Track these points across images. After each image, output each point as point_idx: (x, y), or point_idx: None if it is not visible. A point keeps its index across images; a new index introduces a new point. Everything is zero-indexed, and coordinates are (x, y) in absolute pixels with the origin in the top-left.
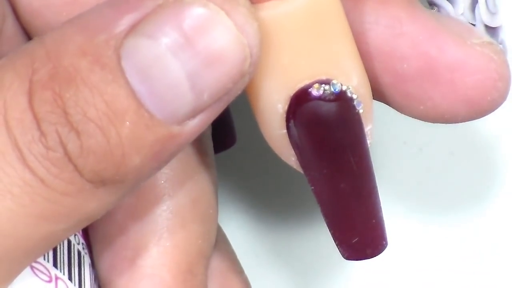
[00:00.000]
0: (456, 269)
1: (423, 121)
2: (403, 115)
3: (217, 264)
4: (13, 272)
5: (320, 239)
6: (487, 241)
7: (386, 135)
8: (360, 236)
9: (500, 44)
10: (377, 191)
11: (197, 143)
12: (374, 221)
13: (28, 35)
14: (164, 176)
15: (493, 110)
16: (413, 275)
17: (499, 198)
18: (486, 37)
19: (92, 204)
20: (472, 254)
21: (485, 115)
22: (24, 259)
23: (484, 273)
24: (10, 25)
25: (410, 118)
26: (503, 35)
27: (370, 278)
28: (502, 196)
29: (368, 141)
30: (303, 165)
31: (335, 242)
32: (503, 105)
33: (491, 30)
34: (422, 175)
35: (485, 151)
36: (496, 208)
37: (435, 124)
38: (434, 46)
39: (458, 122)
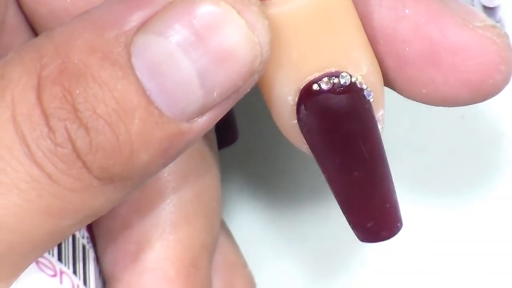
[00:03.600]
0: (456, 266)
1: (423, 121)
2: (403, 114)
3: (221, 258)
4: (19, 267)
5: (324, 234)
6: (488, 240)
7: (386, 135)
8: (375, 220)
9: (498, 22)
10: (390, 175)
11: (201, 137)
12: (388, 205)
13: (31, 24)
14: (168, 170)
15: (496, 94)
16: (413, 274)
17: (500, 197)
18: (489, 20)
19: (99, 200)
20: (472, 253)
21: (487, 99)
22: (30, 254)
23: (485, 272)
24: (13, 15)
25: (411, 117)
26: (502, 13)
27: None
28: (503, 196)
29: (380, 126)
30: (315, 154)
31: (350, 225)
32: (504, 104)
33: (489, 10)
34: (423, 174)
35: (486, 150)
36: (497, 208)
37: (436, 123)
38: (436, 28)
39: (460, 105)
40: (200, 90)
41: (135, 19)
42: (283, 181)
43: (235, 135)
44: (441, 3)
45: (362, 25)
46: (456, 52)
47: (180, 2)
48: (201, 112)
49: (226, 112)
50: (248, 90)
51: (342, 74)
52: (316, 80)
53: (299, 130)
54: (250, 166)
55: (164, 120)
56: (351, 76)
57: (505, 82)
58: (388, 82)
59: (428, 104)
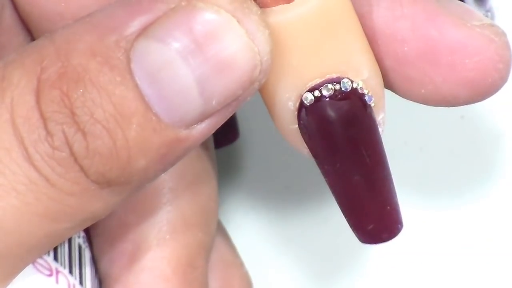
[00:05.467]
0: (456, 266)
1: (423, 121)
2: (403, 115)
3: (218, 257)
4: (16, 269)
5: (324, 234)
6: (488, 240)
7: (386, 135)
8: (376, 222)
9: (488, 11)
10: (391, 177)
11: None
12: (388, 207)
13: (26, 26)
14: None
15: (494, 92)
16: (414, 274)
17: (500, 197)
18: (487, 19)
19: (96, 204)
20: (472, 253)
21: (486, 98)
22: (26, 256)
23: (485, 271)
24: (8, 15)
25: (410, 117)
26: (492, 3)
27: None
28: (503, 195)
29: (380, 129)
30: (316, 159)
31: (350, 227)
32: (503, 104)
33: (479, 1)
34: (423, 174)
35: (485, 150)
36: (497, 208)
37: (436, 123)
38: (434, 28)
39: (459, 105)
40: (199, 97)
41: (136, 24)
42: (284, 181)
43: (235, 134)
44: (438, 2)
45: (361, 25)
46: (454, 51)
47: (181, 9)
48: (200, 119)
49: (227, 119)
50: (249, 98)
51: (343, 80)
52: (317, 87)
53: (300, 135)
54: (250, 165)
55: (162, 127)
56: (352, 82)
57: (503, 80)
58: (387, 83)
59: (427, 105)
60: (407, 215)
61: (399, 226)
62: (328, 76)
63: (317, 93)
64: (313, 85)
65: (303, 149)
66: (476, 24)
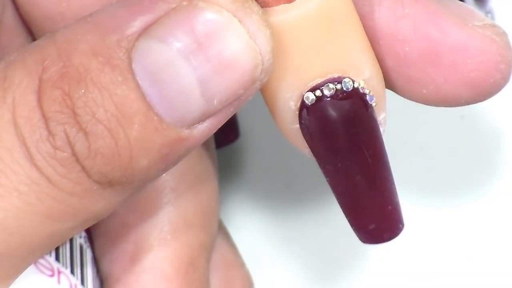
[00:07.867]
0: (456, 266)
1: (423, 121)
2: (403, 114)
3: (219, 257)
4: (18, 269)
5: (325, 234)
6: (488, 239)
7: (387, 135)
8: (377, 222)
9: (488, 13)
10: (392, 177)
11: None
12: (390, 207)
13: (27, 26)
14: None
15: (496, 93)
16: (414, 274)
17: (500, 197)
18: (488, 20)
19: (98, 204)
20: (472, 252)
21: (487, 98)
22: (29, 256)
23: (485, 271)
24: (10, 16)
25: (411, 117)
26: (492, 4)
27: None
28: (503, 195)
29: (382, 129)
30: (317, 159)
31: (352, 227)
32: (504, 104)
33: (479, 2)
34: (423, 174)
35: (485, 150)
36: (497, 207)
37: (436, 123)
38: (436, 28)
39: (461, 105)
40: (201, 97)
41: (137, 24)
42: (284, 181)
43: (236, 134)
44: (440, 3)
45: (362, 25)
46: (456, 51)
47: (182, 9)
48: (201, 119)
49: (228, 119)
50: (251, 98)
51: (344, 79)
52: (319, 86)
53: (301, 134)
54: (251, 165)
55: (163, 126)
56: (353, 82)
57: (505, 81)
58: (388, 83)
59: (429, 105)
60: (407, 214)
61: (400, 226)
62: (329, 76)
63: (318, 92)
64: (315, 84)
65: (305, 149)
66: (478, 25)
